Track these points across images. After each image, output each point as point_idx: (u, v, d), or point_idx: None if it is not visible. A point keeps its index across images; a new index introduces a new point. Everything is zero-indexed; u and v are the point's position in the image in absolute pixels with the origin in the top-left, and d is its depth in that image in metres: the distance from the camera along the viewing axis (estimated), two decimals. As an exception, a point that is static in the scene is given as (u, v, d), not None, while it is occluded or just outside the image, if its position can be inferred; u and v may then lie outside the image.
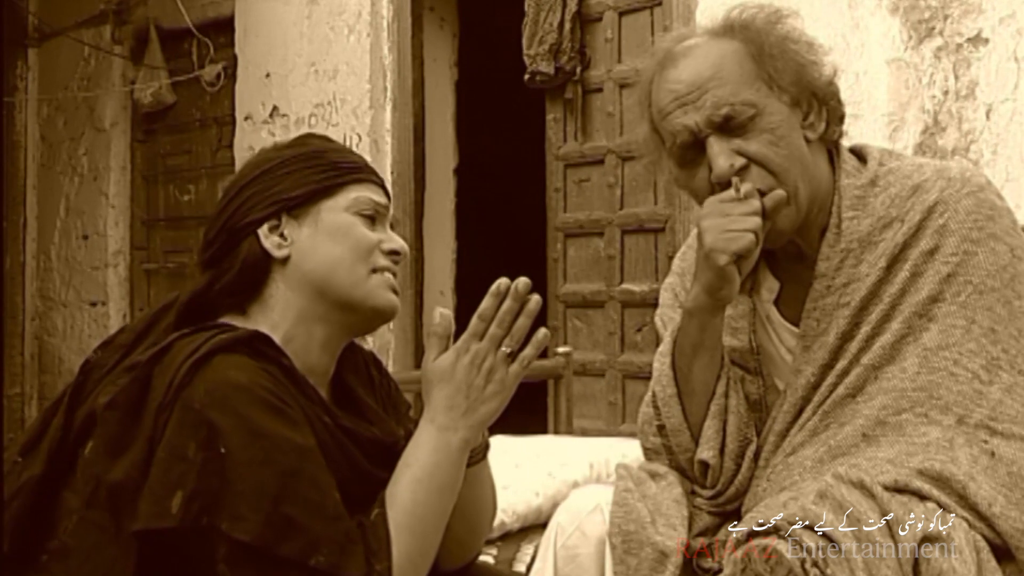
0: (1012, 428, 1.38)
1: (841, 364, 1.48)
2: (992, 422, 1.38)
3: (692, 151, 1.50)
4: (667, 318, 1.70)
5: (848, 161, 1.57)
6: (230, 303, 1.39)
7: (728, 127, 1.47)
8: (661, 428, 1.60)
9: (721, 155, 1.46)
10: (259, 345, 1.30)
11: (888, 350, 1.45)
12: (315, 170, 1.40)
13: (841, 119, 1.57)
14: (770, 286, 1.61)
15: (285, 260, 1.38)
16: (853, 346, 1.48)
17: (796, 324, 1.56)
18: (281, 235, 1.39)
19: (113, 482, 1.22)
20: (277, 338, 1.35)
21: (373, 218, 1.43)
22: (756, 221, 1.43)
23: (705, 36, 1.54)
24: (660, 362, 1.61)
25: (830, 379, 1.49)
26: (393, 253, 1.43)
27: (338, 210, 1.40)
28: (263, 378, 1.26)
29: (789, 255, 1.58)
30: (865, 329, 1.47)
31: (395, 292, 1.43)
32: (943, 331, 1.42)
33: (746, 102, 1.46)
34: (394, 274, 1.44)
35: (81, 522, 1.24)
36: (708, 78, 1.48)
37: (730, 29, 1.53)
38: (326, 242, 1.38)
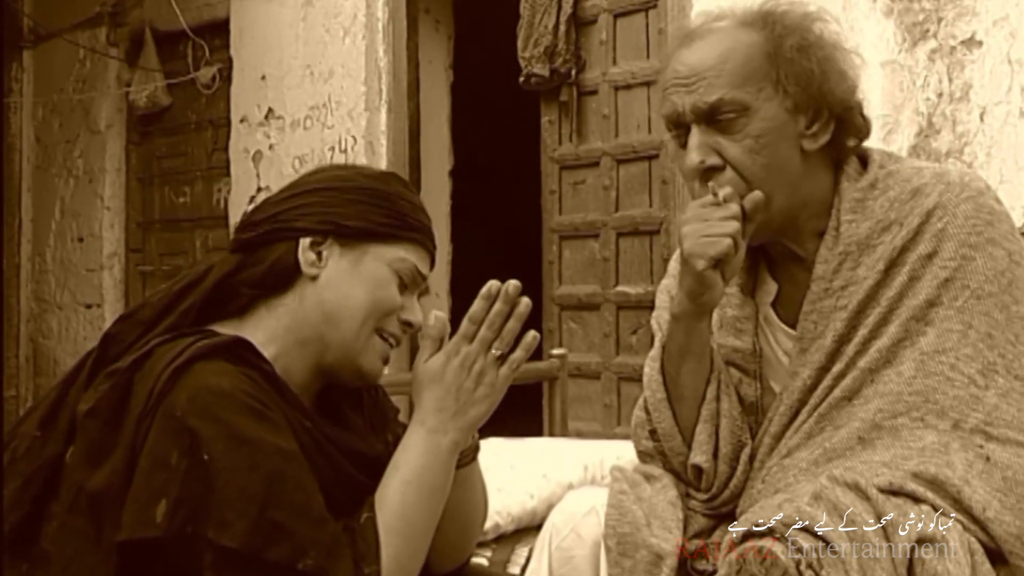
0: (1008, 433, 1.38)
1: (837, 367, 1.48)
2: (988, 427, 1.38)
3: (683, 133, 1.50)
4: (663, 320, 1.69)
5: (851, 165, 1.56)
6: (248, 295, 1.37)
7: (713, 120, 1.46)
8: (653, 432, 1.60)
9: (695, 149, 1.47)
10: (239, 350, 1.29)
11: (885, 354, 1.45)
12: (382, 212, 1.38)
13: (860, 134, 1.55)
14: (768, 288, 1.61)
15: (311, 278, 1.37)
16: (850, 349, 1.47)
17: (793, 326, 1.55)
18: (319, 254, 1.37)
19: (93, 490, 1.21)
20: (269, 352, 1.34)
21: (407, 284, 1.41)
22: (734, 226, 1.43)
23: (732, 22, 1.52)
24: (650, 367, 1.61)
25: (826, 382, 1.49)
26: (407, 324, 1.41)
27: (382, 260, 1.38)
28: (245, 383, 1.25)
29: (787, 258, 1.58)
30: (862, 332, 1.47)
31: (386, 362, 1.42)
32: (940, 335, 1.42)
33: (736, 100, 1.45)
34: (397, 343, 1.42)
35: (62, 528, 1.23)
36: (709, 67, 1.47)
37: (759, 20, 1.51)
38: (355, 283, 1.37)
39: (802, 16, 1.51)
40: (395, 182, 1.44)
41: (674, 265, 1.76)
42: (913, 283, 1.45)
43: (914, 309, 1.44)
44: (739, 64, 1.46)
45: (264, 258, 1.37)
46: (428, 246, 1.43)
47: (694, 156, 1.47)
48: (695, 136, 1.47)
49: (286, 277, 1.37)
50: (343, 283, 1.37)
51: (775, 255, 1.60)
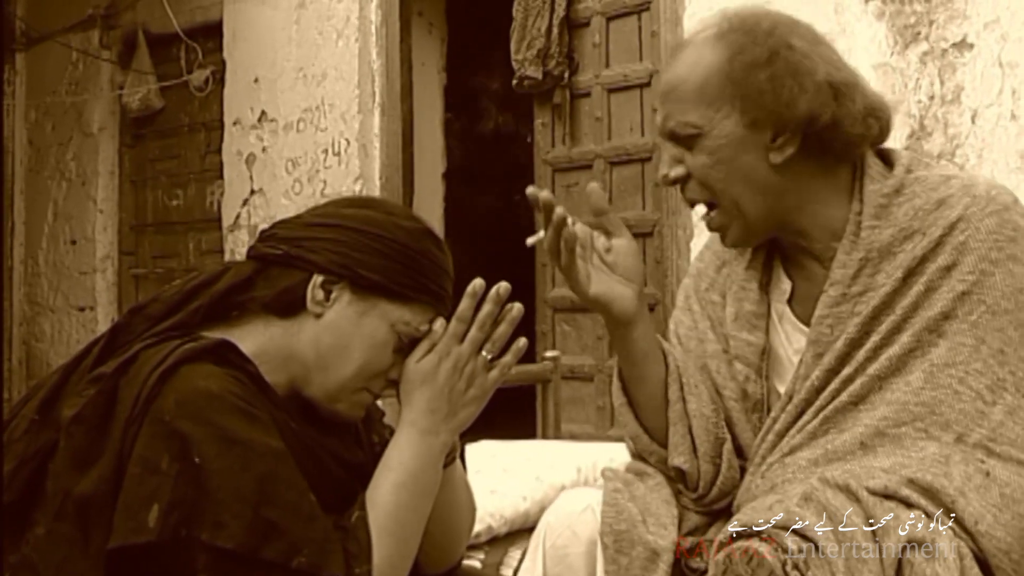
0: (1010, 451, 1.37)
1: (847, 371, 1.47)
2: (991, 443, 1.37)
3: None
4: (677, 320, 1.71)
5: (873, 166, 1.53)
6: (251, 309, 1.37)
7: (676, 139, 1.52)
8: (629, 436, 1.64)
9: (664, 162, 1.55)
10: (224, 352, 1.29)
11: (895, 362, 1.44)
12: (403, 271, 1.36)
13: (855, 142, 1.50)
14: (783, 287, 1.60)
15: (315, 315, 1.35)
16: (861, 354, 1.47)
17: (808, 323, 1.55)
18: (328, 293, 1.35)
19: (80, 496, 1.20)
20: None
21: (403, 346, 1.38)
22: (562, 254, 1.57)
23: (708, 35, 1.52)
24: (614, 374, 1.65)
25: (834, 385, 1.48)
26: (394, 383, 1.40)
27: (386, 319, 1.36)
28: (232, 385, 1.25)
29: (800, 252, 1.58)
30: (874, 339, 1.46)
31: (365, 410, 1.42)
32: (951, 348, 1.41)
33: (689, 123, 1.48)
34: (377, 397, 1.41)
35: (48, 535, 1.22)
36: (672, 88, 1.52)
37: (727, 35, 1.50)
38: (355, 338, 1.35)
39: (757, 33, 1.48)
40: (428, 240, 1.41)
41: (694, 265, 1.75)
42: (929, 294, 1.44)
43: (928, 320, 1.43)
44: (695, 88, 1.48)
45: (276, 280, 1.36)
46: (441, 312, 1.40)
47: (662, 168, 1.55)
48: (665, 150, 1.55)
49: (292, 306, 1.36)
50: (343, 333, 1.35)
51: (788, 249, 1.60)
